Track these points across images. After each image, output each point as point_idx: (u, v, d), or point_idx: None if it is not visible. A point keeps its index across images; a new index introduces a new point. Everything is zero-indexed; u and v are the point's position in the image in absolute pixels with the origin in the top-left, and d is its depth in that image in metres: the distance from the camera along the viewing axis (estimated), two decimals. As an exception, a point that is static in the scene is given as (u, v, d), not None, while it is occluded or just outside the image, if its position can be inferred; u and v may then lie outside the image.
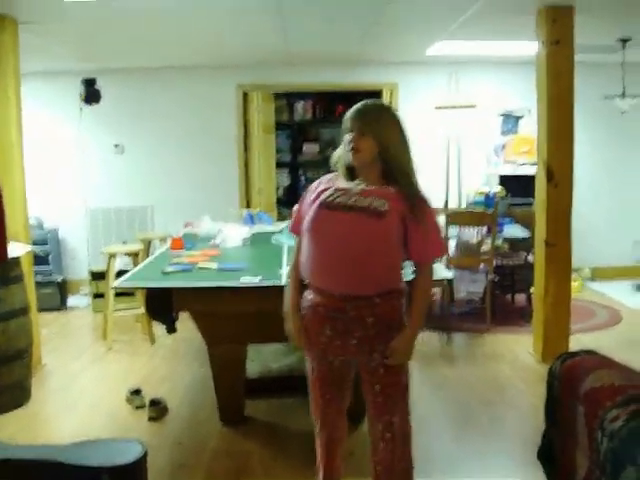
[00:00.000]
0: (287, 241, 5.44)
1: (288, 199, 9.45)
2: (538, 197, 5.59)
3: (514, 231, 6.97)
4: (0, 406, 4.53)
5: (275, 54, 7.50)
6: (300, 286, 3.03)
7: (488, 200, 7.15)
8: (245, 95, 8.42)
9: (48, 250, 7.87)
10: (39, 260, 6.92)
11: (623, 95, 6.99)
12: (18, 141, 5.40)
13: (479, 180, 8.30)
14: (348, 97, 9.38)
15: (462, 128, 8.06)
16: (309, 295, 2.94)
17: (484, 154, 8.47)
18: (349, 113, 2.86)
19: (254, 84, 8.41)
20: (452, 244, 6.61)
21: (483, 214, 6.40)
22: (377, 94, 8.64)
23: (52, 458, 2.73)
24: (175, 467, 3.85)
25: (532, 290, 6.05)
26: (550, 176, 5.35)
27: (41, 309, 6.10)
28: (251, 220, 6.38)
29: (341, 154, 2.92)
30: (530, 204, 6.51)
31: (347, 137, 2.82)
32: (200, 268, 4.38)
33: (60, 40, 6.27)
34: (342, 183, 2.90)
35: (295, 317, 3.02)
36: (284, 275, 4.06)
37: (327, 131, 10.03)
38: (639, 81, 7.49)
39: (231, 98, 8.37)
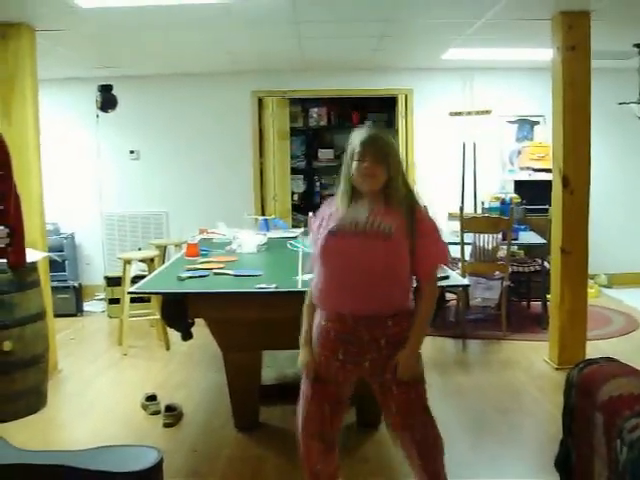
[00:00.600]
0: (303, 247, 5.45)
1: (303, 205, 9.45)
2: (554, 204, 5.57)
3: (530, 237, 6.94)
4: (16, 411, 4.55)
5: (290, 60, 7.52)
6: (313, 320, 3.05)
7: (503, 206, 7.12)
8: (260, 101, 8.45)
9: (64, 256, 7.90)
10: (55, 266, 6.96)
11: (639, 101, 6.95)
12: (36, 147, 5.44)
13: (494, 186, 8.28)
14: (363, 103, 9.47)
15: (477, 134, 8.04)
16: (321, 321, 2.95)
17: (499, 160, 8.45)
18: (361, 139, 2.88)
19: (269, 90, 8.44)
20: (467, 250, 6.59)
21: (498, 220, 6.37)
22: (392, 100, 8.67)
23: (67, 463, 2.74)
24: (190, 473, 3.84)
25: (548, 297, 6.02)
26: (566, 183, 5.33)
27: (57, 314, 6.12)
28: (266, 226, 6.39)
29: (344, 176, 2.95)
30: (546, 210, 6.49)
31: (359, 163, 2.85)
32: (216, 274, 4.38)
33: (77, 47, 6.31)
34: (346, 208, 2.92)
35: (308, 349, 3.04)
36: (300, 281, 4.06)
37: (342, 137, 9.99)
38: (656, 87, 7.45)
39: (246, 104, 8.39)
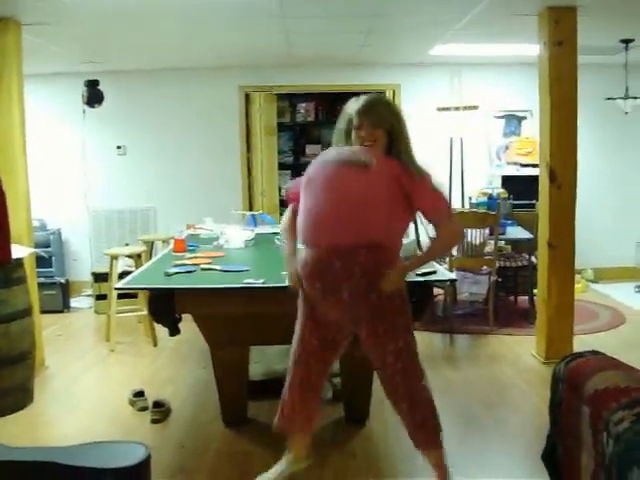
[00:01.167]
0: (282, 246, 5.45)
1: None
2: (541, 199, 5.59)
3: (517, 232, 6.96)
4: (3, 408, 4.52)
5: (277, 55, 7.51)
6: (295, 238, 3.27)
7: (491, 201, 7.14)
8: (247, 96, 8.43)
9: (51, 252, 7.87)
10: (42, 262, 6.92)
11: (626, 96, 6.98)
12: (21, 143, 5.41)
13: (482, 181, 8.30)
14: (350, 98, 9.45)
15: (464, 129, 8.05)
16: (301, 255, 3.11)
17: (487, 155, 8.48)
18: (356, 107, 2.99)
19: (256, 85, 8.43)
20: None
21: (486, 215, 6.38)
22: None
23: (55, 460, 2.72)
24: (178, 469, 3.83)
25: (535, 291, 6.04)
26: (553, 178, 5.35)
27: (44, 311, 6.09)
28: (254, 222, 6.39)
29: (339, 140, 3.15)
30: (533, 205, 6.51)
31: (357, 132, 3.03)
32: (203, 270, 4.37)
33: (63, 42, 6.28)
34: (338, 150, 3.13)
35: (292, 260, 3.23)
36: (287, 277, 4.05)
37: (329, 132, 9.86)
38: (642, 82, 7.50)
39: (233, 99, 8.38)
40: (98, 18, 5.42)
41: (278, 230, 6.05)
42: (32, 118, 6.04)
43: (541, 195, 5.58)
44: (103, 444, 3.01)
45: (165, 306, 3.94)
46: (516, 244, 7.22)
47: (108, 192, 8.40)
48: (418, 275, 3.90)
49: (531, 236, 6.57)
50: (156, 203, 8.44)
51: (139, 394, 4.76)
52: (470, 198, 7.84)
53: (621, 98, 7.03)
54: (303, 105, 9.64)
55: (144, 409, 4.63)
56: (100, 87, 7.54)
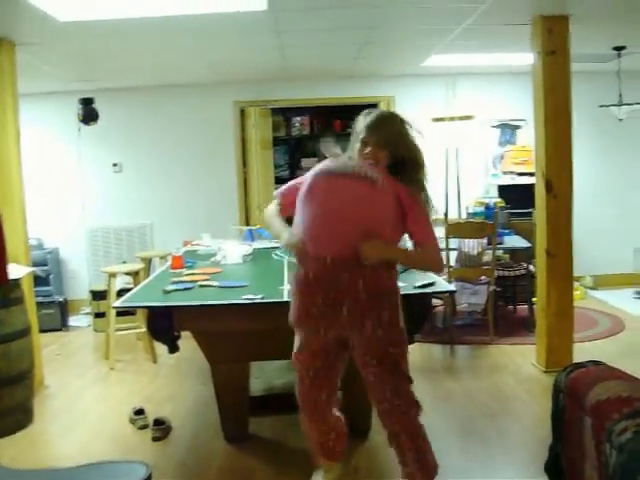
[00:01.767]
0: (288, 256, 5.44)
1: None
2: (538, 208, 5.59)
3: (514, 241, 6.97)
4: (3, 429, 4.50)
5: (272, 70, 7.52)
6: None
7: (488, 211, 7.14)
8: (242, 111, 8.44)
9: (49, 270, 7.86)
10: (40, 280, 6.91)
11: (619, 103, 7.00)
12: (17, 162, 5.41)
13: (478, 191, 8.31)
14: (345, 111, 9.45)
15: (460, 139, 8.06)
16: (300, 267, 3.05)
17: (482, 165, 8.49)
18: (364, 122, 2.97)
19: (251, 100, 8.43)
20: (453, 256, 6.61)
21: (483, 225, 6.38)
22: (374, 107, 8.66)
23: (55, 482, 2.71)
24: (180, 487, 3.83)
25: (534, 300, 6.03)
26: (549, 187, 5.35)
27: (42, 330, 6.07)
28: (251, 236, 6.38)
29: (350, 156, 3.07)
30: (530, 214, 6.52)
31: (362, 147, 2.98)
32: (201, 286, 4.36)
33: (57, 61, 6.29)
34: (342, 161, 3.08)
35: (287, 231, 3.12)
36: (285, 291, 4.05)
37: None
38: (635, 89, 7.51)
39: (228, 115, 8.39)
40: (92, 37, 5.42)
41: (276, 244, 6.06)
42: (28, 137, 6.04)
43: (538, 205, 5.58)
44: (104, 464, 3.00)
45: (163, 324, 3.93)
46: (514, 253, 7.23)
47: (105, 210, 8.39)
48: (417, 287, 3.90)
49: (529, 245, 6.57)
50: (153, 220, 8.43)
51: (139, 412, 4.74)
52: (467, 208, 7.84)
53: (615, 105, 7.05)
54: (298, 119, 9.66)
55: (144, 427, 4.60)
56: (95, 105, 7.55)
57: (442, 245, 6.35)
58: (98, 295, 7.35)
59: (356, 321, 2.93)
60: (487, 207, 7.29)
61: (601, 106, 7.21)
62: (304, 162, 9.80)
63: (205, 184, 8.38)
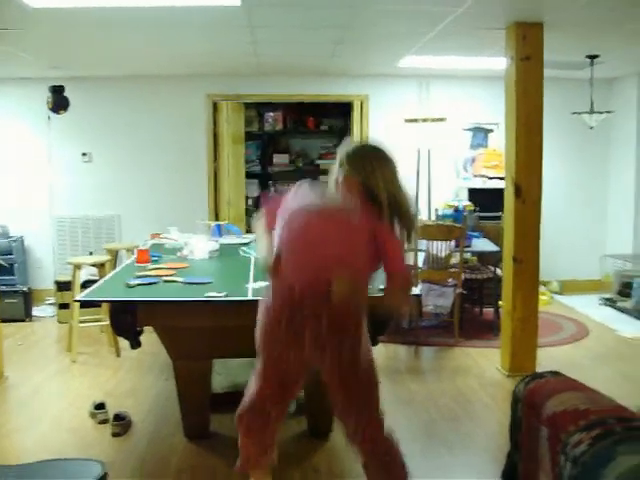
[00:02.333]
0: (255, 253, 5.42)
1: (257, 210, 9.39)
2: (506, 213, 5.61)
3: (483, 245, 7.00)
4: (-41, 421, 4.44)
5: (245, 65, 7.47)
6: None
7: (457, 214, 7.17)
8: (215, 105, 8.38)
9: (13, 259, 7.75)
10: (3, 269, 6.81)
11: (591, 111, 7.05)
12: (-18, 150, 5.33)
13: (448, 193, 8.33)
14: (319, 108, 9.47)
15: (432, 141, 8.07)
16: (269, 293, 3.05)
17: (453, 167, 8.51)
18: (345, 152, 3.00)
19: (224, 94, 8.38)
20: (420, 257, 6.61)
21: (452, 227, 6.40)
22: (347, 106, 8.67)
23: (8, 479, 2.67)
24: (138, 484, 3.79)
25: (500, 303, 6.06)
26: (518, 192, 5.37)
27: (5, 319, 6.00)
28: (219, 232, 6.34)
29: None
30: (499, 217, 6.53)
31: (337, 175, 2.99)
32: (165, 282, 4.33)
33: (27, 47, 6.19)
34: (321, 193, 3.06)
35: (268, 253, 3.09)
36: (250, 289, 4.03)
37: (297, 142, 10.02)
38: (607, 97, 7.59)
39: (200, 108, 8.32)
40: (63, 24, 5.35)
41: (243, 240, 6.05)
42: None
43: (506, 210, 5.60)
44: (59, 461, 2.97)
45: (126, 319, 3.89)
46: (482, 256, 7.26)
47: (73, 199, 8.29)
48: (380, 290, 3.89)
49: (497, 248, 6.60)
50: (121, 211, 8.34)
51: (100, 406, 4.69)
52: (437, 210, 7.86)
53: (587, 113, 7.09)
54: (271, 114, 9.61)
55: (105, 422, 4.56)
56: (66, 93, 7.46)
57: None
58: (63, 286, 7.27)
59: (317, 346, 2.92)
60: (456, 210, 7.31)
61: (573, 113, 7.25)
62: (276, 157, 9.78)
63: (175, 177, 8.31)
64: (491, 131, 8.47)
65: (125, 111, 8.26)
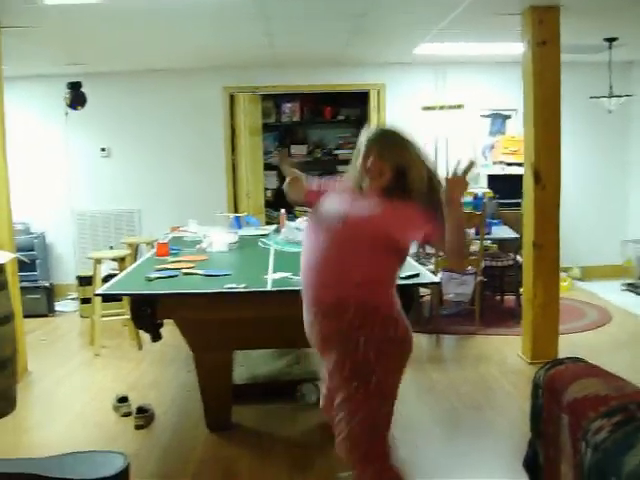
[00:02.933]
0: (274, 245, 5.43)
1: (276, 201, 9.40)
2: (526, 199, 5.58)
3: (503, 232, 6.96)
4: (-16, 416, 4.49)
5: (261, 56, 7.46)
6: None
7: (476, 201, 7.12)
8: (232, 97, 8.39)
9: (35, 255, 7.81)
10: (26, 265, 6.86)
11: (610, 95, 6.98)
12: (1, 146, 5.34)
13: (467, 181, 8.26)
14: (336, 98, 9.43)
15: (450, 128, 8.03)
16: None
17: (472, 155, 8.45)
18: (367, 135, 2.87)
19: (240, 86, 8.37)
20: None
21: (471, 215, 6.36)
22: (364, 95, 8.64)
23: (32, 471, 2.70)
24: (162, 476, 3.82)
25: (521, 291, 6.03)
26: (537, 178, 5.33)
27: (28, 315, 6.05)
28: (238, 224, 6.36)
29: (354, 175, 2.93)
30: (519, 204, 6.51)
31: (363, 160, 2.84)
32: (185, 274, 4.34)
33: (43, 44, 6.21)
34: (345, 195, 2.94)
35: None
36: (269, 281, 4.04)
37: (315, 132, 9.98)
38: (625, 80, 7.50)
39: (217, 100, 8.33)
40: (77, 20, 5.36)
41: (263, 232, 6.06)
42: (14, 121, 5.99)
43: (525, 195, 5.57)
44: (82, 454, 3.00)
45: (146, 312, 3.91)
46: (502, 243, 7.22)
47: (93, 194, 8.34)
48: (402, 278, 3.88)
49: (517, 235, 6.57)
50: (141, 205, 8.38)
51: (123, 399, 4.73)
52: (456, 198, 7.80)
53: (605, 97, 7.02)
54: (288, 105, 9.58)
55: (128, 414, 4.59)
56: (83, 89, 7.49)
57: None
58: (85, 280, 7.31)
59: (325, 348, 2.89)
60: (476, 197, 7.26)
61: (591, 97, 7.18)
62: (294, 148, 9.76)
63: (194, 170, 8.33)
64: (509, 117, 8.40)
65: (142, 105, 8.28)
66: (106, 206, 8.36)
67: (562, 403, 2.35)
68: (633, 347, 5.93)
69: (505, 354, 5.79)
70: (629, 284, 8.03)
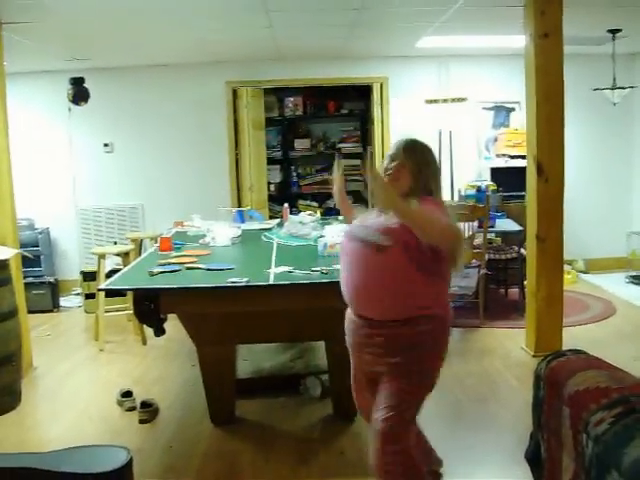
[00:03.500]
0: (277, 238, 5.43)
1: (280, 195, 9.41)
2: (529, 192, 5.56)
3: (506, 225, 6.95)
4: (-11, 411, 4.51)
5: (264, 50, 7.46)
6: None
7: (480, 194, 7.12)
8: (234, 92, 8.38)
9: (39, 251, 7.82)
10: (30, 261, 6.87)
11: (613, 87, 6.95)
12: (4, 142, 5.37)
13: (471, 174, 8.27)
14: (339, 92, 9.42)
15: (453, 121, 8.02)
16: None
17: (476, 147, 8.45)
18: (395, 144, 3.11)
19: (243, 80, 8.37)
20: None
21: (475, 208, 6.36)
22: (367, 88, 8.63)
23: (36, 466, 2.71)
24: (166, 470, 3.82)
25: (525, 283, 6.02)
26: (540, 171, 5.32)
27: (33, 310, 6.06)
28: (241, 218, 6.36)
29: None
30: (522, 197, 6.49)
31: (385, 165, 3.02)
32: (188, 269, 4.34)
33: (45, 39, 6.22)
34: (367, 214, 3.10)
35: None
36: (272, 275, 4.04)
37: (318, 126, 9.97)
38: (629, 72, 7.47)
39: (220, 95, 8.33)
40: (82, 15, 5.37)
41: (266, 226, 6.06)
42: (17, 117, 5.99)
43: (528, 188, 5.56)
44: (85, 448, 3.00)
45: (149, 306, 3.92)
46: (506, 236, 7.21)
47: (96, 190, 8.35)
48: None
49: (521, 228, 6.55)
50: (144, 200, 8.39)
51: (127, 394, 4.75)
52: (459, 191, 7.82)
53: (609, 89, 7.00)
54: (291, 99, 9.57)
55: (132, 409, 4.61)
56: (86, 84, 7.49)
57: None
58: (89, 276, 7.32)
59: (377, 362, 3.04)
60: (479, 190, 7.27)
61: (595, 89, 7.16)
62: (297, 143, 9.75)
63: (197, 165, 8.34)
64: (513, 110, 8.39)
65: (145, 100, 8.28)
66: (109, 201, 8.37)
67: (563, 395, 2.35)
68: (637, 339, 5.91)
69: (509, 347, 5.79)
70: (633, 276, 8.01)
